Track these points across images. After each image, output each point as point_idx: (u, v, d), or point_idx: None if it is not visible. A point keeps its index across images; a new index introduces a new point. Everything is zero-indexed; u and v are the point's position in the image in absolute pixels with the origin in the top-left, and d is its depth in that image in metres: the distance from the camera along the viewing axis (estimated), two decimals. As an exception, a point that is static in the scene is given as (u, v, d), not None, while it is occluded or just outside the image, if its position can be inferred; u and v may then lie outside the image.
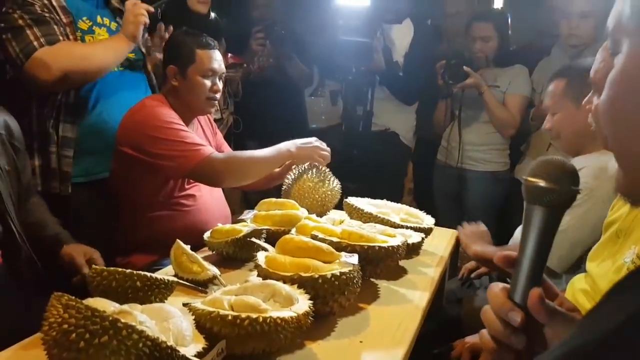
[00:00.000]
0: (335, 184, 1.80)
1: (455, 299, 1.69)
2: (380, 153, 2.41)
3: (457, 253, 1.84)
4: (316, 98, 3.08)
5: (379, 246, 1.17)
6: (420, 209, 2.93)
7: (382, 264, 1.21)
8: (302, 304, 0.95)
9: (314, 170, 1.80)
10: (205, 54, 1.70)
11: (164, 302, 1.08)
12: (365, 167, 2.33)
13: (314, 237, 1.19)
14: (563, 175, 0.57)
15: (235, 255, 1.35)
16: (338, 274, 1.03)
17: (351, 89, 2.27)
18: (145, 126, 1.62)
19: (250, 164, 1.67)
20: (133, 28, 1.73)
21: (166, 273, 1.30)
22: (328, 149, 1.72)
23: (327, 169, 1.83)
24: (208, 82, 1.71)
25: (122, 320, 0.75)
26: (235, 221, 1.51)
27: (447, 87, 2.35)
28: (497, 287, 0.62)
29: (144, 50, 1.96)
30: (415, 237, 1.36)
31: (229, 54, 2.53)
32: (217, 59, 1.73)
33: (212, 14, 2.32)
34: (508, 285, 0.62)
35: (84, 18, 1.81)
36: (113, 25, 1.90)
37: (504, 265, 0.62)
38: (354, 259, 1.10)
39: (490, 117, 2.42)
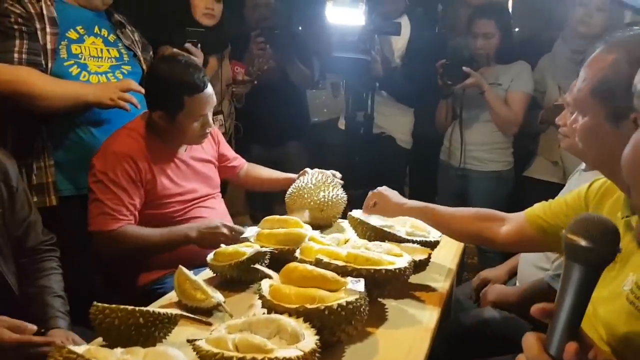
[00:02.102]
0: (338, 193, 1.78)
1: (464, 309, 1.67)
2: (378, 158, 2.37)
3: (463, 262, 1.81)
4: (317, 91, 3.05)
5: (385, 269, 1.14)
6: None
7: (389, 286, 1.19)
8: (309, 340, 0.92)
9: (321, 176, 1.79)
10: (195, 100, 1.59)
11: (167, 336, 1.06)
12: (367, 172, 2.30)
13: (319, 261, 1.16)
14: (605, 235, 0.56)
15: (239, 278, 1.33)
16: (344, 303, 1.00)
17: (350, 96, 2.23)
18: (95, 169, 1.58)
19: (141, 250, 1.58)
20: (107, 102, 1.64)
21: (170, 299, 1.28)
22: (240, 230, 1.53)
23: (337, 179, 1.81)
24: (198, 125, 1.64)
25: (124, 375, 0.73)
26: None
27: (447, 87, 2.30)
28: (533, 337, 0.62)
29: (144, 66, 1.92)
30: (421, 254, 1.33)
31: (236, 66, 2.48)
32: (208, 99, 1.62)
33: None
34: (543, 335, 0.62)
35: (79, 27, 1.78)
36: (111, 37, 1.86)
37: (540, 317, 0.62)
38: (361, 285, 1.07)
39: (493, 116, 2.37)
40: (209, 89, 1.64)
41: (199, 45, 2.08)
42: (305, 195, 1.72)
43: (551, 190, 2.22)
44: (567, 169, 2.19)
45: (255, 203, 3.08)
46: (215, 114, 2.30)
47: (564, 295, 0.59)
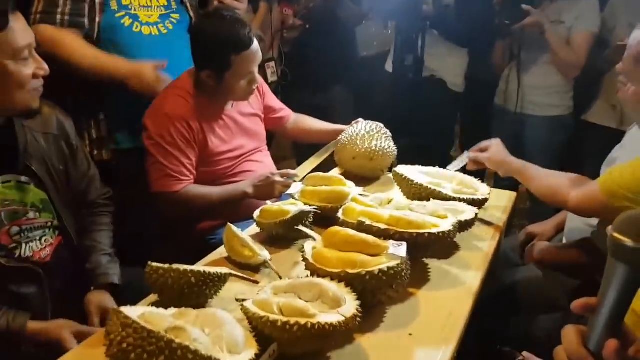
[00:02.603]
0: (390, 144, 1.76)
1: (510, 265, 1.65)
2: (427, 103, 2.27)
3: (513, 211, 1.75)
4: (366, 22, 2.91)
5: (428, 233, 1.13)
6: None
7: (432, 248, 1.19)
8: (350, 305, 0.95)
9: (375, 125, 1.77)
10: (242, 58, 1.57)
11: (218, 293, 1.12)
12: (416, 118, 2.22)
13: (361, 224, 1.17)
14: None
15: (285, 235, 1.37)
16: (385, 269, 1.02)
17: (400, 38, 2.11)
18: (150, 132, 1.61)
19: (202, 209, 1.64)
20: (145, 89, 1.66)
21: (220, 254, 1.35)
22: (293, 173, 1.59)
23: (389, 133, 1.78)
24: (245, 82, 1.63)
25: (177, 341, 0.79)
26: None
27: (504, 26, 2.12)
28: (573, 330, 0.62)
29: (192, 13, 1.89)
30: (468, 213, 1.30)
31: (285, 8, 2.40)
32: (255, 56, 1.60)
33: None
34: (584, 329, 0.61)
35: None
36: None
37: (582, 312, 0.61)
38: (402, 250, 1.07)
39: (553, 58, 2.20)
40: (255, 45, 1.61)
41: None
42: (358, 142, 1.71)
43: (609, 137, 2.09)
44: (625, 114, 2.03)
45: (301, 148, 3.10)
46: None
47: (606, 292, 0.57)
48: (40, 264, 1.29)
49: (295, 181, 1.59)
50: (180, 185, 1.62)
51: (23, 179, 1.26)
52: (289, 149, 3.29)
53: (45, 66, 1.22)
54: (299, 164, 2.84)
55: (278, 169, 1.88)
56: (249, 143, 1.80)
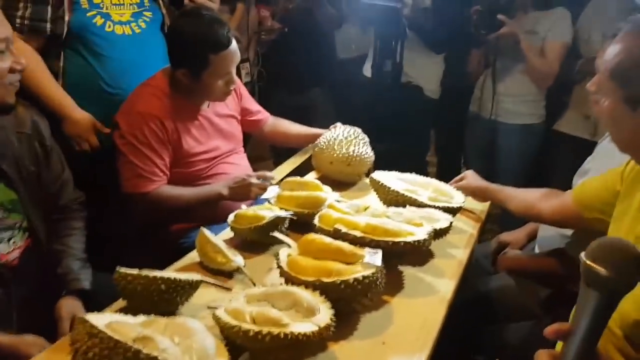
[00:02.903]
0: (367, 150, 1.76)
1: (483, 272, 1.67)
2: (404, 109, 2.29)
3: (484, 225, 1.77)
4: (345, 26, 2.91)
5: (404, 242, 1.13)
6: (443, 163, 2.89)
7: (407, 256, 1.19)
8: (324, 314, 0.94)
9: (352, 130, 1.78)
10: (221, 58, 1.54)
11: (188, 300, 1.10)
12: (393, 124, 2.23)
13: (337, 231, 1.16)
14: (627, 264, 0.53)
15: (259, 240, 1.35)
16: (360, 277, 1.01)
17: (379, 43, 2.11)
18: (122, 131, 1.57)
19: (175, 210, 1.61)
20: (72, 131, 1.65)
21: (192, 259, 1.32)
22: (269, 176, 1.58)
23: (366, 138, 1.79)
24: (223, 82, 1.59)
25: (144, 351, 0.77)
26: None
27: (480, 36, 2.15)
28: (545, 356, 0.62)
29: (164, 10, 1.85)
30: (443, 222, 1.31)
31: (262, 9, 2.38)
32: (233, 56, 1.57)
33: None
34: (556, 353, 0.61)
35: None
36: None
37: (555, 338, 0.61)
38: (378, 258, 1.07)
39: (527, 68, 2.24)
40: (234, 45, 1.58)
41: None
42: (335, 147, 1.71)
43: (581, 147, 2.14)
44: (599, 125, 2.08)
45: (278, 149, 3.08)
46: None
47: (579, 319, 0.57)
48: (7, 267, 1.24)
49: (271, 184, 1.57)
50: (152, 186, 1.57)
51: None
52: (266, 150, 3.26)
53: (23, 60, 1.17)
54: (277, 164, 2.85)
55: (254, 170, 1.87)
56: (225, 144, 1.77)
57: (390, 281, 1.14)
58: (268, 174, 1.60)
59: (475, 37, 2.23)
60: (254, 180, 1.56)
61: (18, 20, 1.58)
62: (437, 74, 2.51)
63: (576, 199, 1.24)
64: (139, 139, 1.56)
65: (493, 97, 2.31)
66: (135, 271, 1.05)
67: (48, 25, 1.61)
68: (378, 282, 1.04)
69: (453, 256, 1.35)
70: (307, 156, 1.87)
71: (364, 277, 1.01)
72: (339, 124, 1.84)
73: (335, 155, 1.70)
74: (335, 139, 1.74)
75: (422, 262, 1.30)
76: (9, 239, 1.26)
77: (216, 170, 1.73)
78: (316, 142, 1.79)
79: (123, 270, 1.05)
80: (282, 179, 1.63)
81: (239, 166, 1.80)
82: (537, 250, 1.62)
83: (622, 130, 0.95)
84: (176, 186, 1.63)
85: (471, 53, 2.35)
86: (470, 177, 1.60)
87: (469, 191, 1.56)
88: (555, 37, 2.20)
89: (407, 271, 1.26)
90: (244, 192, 1.56)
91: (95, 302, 1.25)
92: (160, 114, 1.58)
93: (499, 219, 2.68)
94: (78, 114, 1.66)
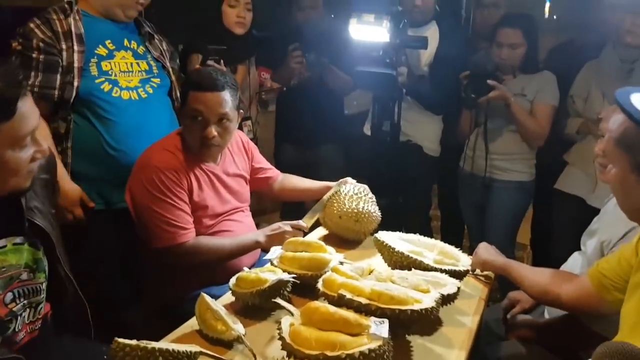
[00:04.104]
0: (375, 210, 1.75)
1: (493, 337, 1.60)
2: (405, 166, 2.30)
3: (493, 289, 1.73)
4: None
5: (411, 310, 1.09)
6: (447, 218, 2.88)
7: (414, 325, 1.14)
8: (329, 393, 0.89)
9: (362, 188, 1.79)
10: (195, 96, 1.57)
11: (187, 373, 1.05)
12: (395, 180, 2.23)
13: (341, 297, 1.12)
14: None
15: (261, 305, 1.31)
16: (367, 351, 0.97)
17: (377, 105, 2.15)
18: (141, 187, 1.57)
19: (214, 259, 1.61)
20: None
21: (191, 327, 1.27)
22: (303, 226, 1.65)
23: (374, 198, 1.80)
24: (196, 126, 1.59)
25: None
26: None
27: (470, 99, 2.21)
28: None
29: (173, 77, 1.91)
30: (450, 287, 1.27)
31: (262, 72, 2.45)
32: (207, 102, 1.56)
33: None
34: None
35: (108, 42, 1.77)
36: (141, 50, 1.86)
37: None
38: (385, 329, 1.02)
39: (518, 129, 2.29)
40: (217, 96, 1.57)
41: (222, 61, 2.05)
42: (345, 202, 1.70)
43: (584, 208, 2.14)
44: (599, 184, 2.08)
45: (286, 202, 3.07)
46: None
47: None
48: (25, 342, 1.17)
49: (304, 232, 1.64)
50: (187, 235, 1.57)
51: (18, 239, 1.15)
52: (269, 203, 3.25)
53: (45, 147, 1.12)
54: (282, 216, 2.84)
55: (257, 223, 1.88)
56: (232, 202, 1.76)
57: (397, 353, 1.09)
58: (302, 224, 1.65)
59: (465, 101, 2.28)
60: (288, 229, 1.61)
61: (29, 88, 1.61)
62: (436, 132, 2.55)
63: (594, 282, 1.19)
64: (162, 191, 1.55)
65: (486, 156, 2.34)
66: (133, 342, 1.01)
67: (56, 92, 1.66)
68: (385, 356, 0.99)
69: (462, 324, 1.30)
70: (325, 206, 1.82)
71: (370, 351, 0.97)
72: (349, 179, 1.84)
73: (344, 209, 1.69)
74: (346, 193, 1.74)
75: (430, 330, 1.25)
76: (37, 306, 1.19)
77: (220, 227, 1.71)
78: (326, 195, 1.79)
79: (121, 341, 1.01)
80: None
81: (243, 224, 1.79)
82: (546, 314, 1.57)
83: (631, 198, 0.94)
84: (212, 237, 1.65)
85: (462, 114, 2.40)
86: (480, 249, 1.55)
87: (477, 264, 1.51)
88: (543, 100, 2.27)
89: (415, 341, 1.21)
90: (279, 240, 1.58)
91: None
92: (175, 167, 1.59)
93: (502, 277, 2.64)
94: (67, 186, 1.67)
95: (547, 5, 3.21)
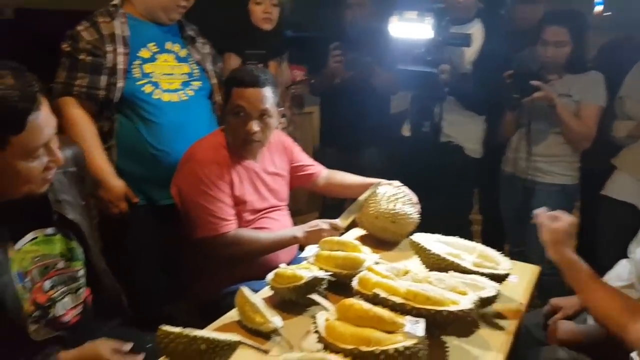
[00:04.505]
0: (413, 212, 1.74)
1: (534, 342, 1.56)
2: (445, 168, 2.27)
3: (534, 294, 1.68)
4: None
5: (447, 311, 1.09)
6: (487, 222, 2.81)
7: (451, 326, 1.14)
8: (363, 387, 0.90)
9: (404, 190, 1.79)
10: (238, 92, 1.62)
11: (226, 362, 1.09)
12: (434, 182, 2.20)
13: (376, 296, 1.13)
14: None
15: (297, 300, 1.34)
16: (402, 348, 0.97)
17: (417, 105, 2.13)
18: (186, 181, 1.64)
19: (254, 250, 1.65)
20: (108, 197, 1.74)
21: (231, 318, 1.32)
22: (340, 226, 1.65)
23: (414, 199, 1.79)
24: (239, 122, 1.63)
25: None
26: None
27: (514, 100, 2.16)
28: None
29: (214, 80, 1.97)
30: (489, 290, 1.26)
31: (295, 69, 2.48)
32: (250, 97, 1.61)
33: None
34: None
35: (151, 44, 1.84)
36: (182, 53, 1.91)
37: None
38: (420, 328, 1.03)
39: (563, 130, 2.21)
40: (258, 92, 1.62)
41: (260, 65, 2.09)
42: (382, 202, 1.71)
43: (633, 214, 2.04)
44: None
45: (316, 201, 3.08)
46: None
47: None
48: (69, 326, 1.24)
49: (341, 233, 1.65)
50: (228, 226, 1.62)
51: (49, 230, 1.21)
52: (304, 203, 3.29)
53: (59, 157, 1.12)
54: (321, 216, 2.84)
55: (293, 223, 1.90)
56: (270, 200, 1.80)
57: (433, 352, 1.08)
58: (339, 223, 1.66)
59: (508, 102, 2.22)
60: (325, 227, 1.62)
61: (76, 88, 1.73)
62: (479, 133, 2.49)
63: None
64: (205, 183, 1.61)
65: (528, 158, 2.28)
66: (177, 329, 1.05)
67: (101, 93, 1.74)
68: (420, 354, 1.00)
69: (501, 327, 1.28)
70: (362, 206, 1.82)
71: (405, 348, 0.97)
72: (396, 182, 1.83)
73: (381, 210, 1.69)
74: (383, 194, 1.74)
75: (467, 332, 1.23)
76: (76, 290, 1.26)
77: (259, 224, 1.75)
78: (363, 195, 1.79)
79: (166, 328, 1.06)
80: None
81: (280, 222, 1.82)
82: (589, 320, 1.51)
83: None
84: (251, 229, 1.69)
85: (505, 115, 2.34)
86: (564, 223, 1.33)
87: (550, 235, 1.31)
88: (590, 101, 2.18)
89: (451, 342, 1.20)
90: (316, 237, 1.60)
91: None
92: (217, 161, 1.65)
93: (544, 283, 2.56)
94: (114, 182, 1.75)
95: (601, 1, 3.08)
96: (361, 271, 1.32)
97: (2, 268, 1.08)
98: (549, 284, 2.19)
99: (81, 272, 1.28)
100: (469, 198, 2.72)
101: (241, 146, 1.69)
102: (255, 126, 1.63)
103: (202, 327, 1.26)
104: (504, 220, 2.56)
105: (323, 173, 2.01)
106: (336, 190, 2.02)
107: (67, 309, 1.24)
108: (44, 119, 1.05)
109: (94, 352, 1.14)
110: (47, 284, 1.19)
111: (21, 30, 2.84)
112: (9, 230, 1.11)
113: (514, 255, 2.25)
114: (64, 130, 1.72)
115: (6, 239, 1.10)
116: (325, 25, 2.70)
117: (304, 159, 1.99)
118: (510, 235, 2.59)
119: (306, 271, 1.35)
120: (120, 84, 1.74)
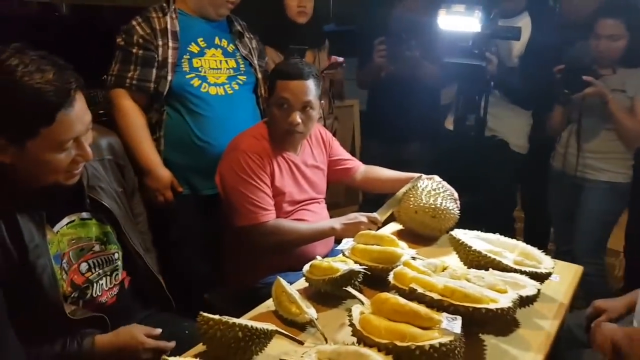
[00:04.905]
0: (454, 207, 1.72)
1: (576, 344, 1.51)
2: (489, 163, 2.21)
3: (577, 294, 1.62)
4: None
5: (486, 309, 1.07)
6: (531, 220, 2.72)
7: (489, 325, 1.11)
8: (396, 381, 0.90)
9: (441, 184, 1.77)
10: (282, 85, 1.65)
11: (262, 350, 1.11)
12: (477, 177, 2.16)
13: (412, 291, 1.12)
14: None
15: (332, 292, 1.34)
16: (437, 344, 0.96)
17: (461, 98, 2.09)
18: (229, 169, 1.68)
19: (292, 240, 1.68)
20: (155, 186, 1.81)
21: (267, 307, 1.34)
22: (378, 220, 1.67)
23: (455, 195, 1.77)
24: (282, 114, 1.66)
25: None
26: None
27: (564, 95, 2.08)
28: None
29: (259, 75, 2.00)
30: (529, 289, 1.22)
31: (332, 57, 2.48)
32: (294, 89, 1.64)
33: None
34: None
35: (200, 39, 1.89)
36: (230, 48, 1.96)
37: None
38: (457, 325, 1.01)
39: (616, 127, 2.12)
40: (303, 84, 1.64)
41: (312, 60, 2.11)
42: (423, 197, 1.69)
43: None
44: None
45: (353, 195, 3.08)
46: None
47: None
48: (107, 307, 1.31)
49: (378, 227, 1.67)
50: (268, 215, 1.66)
51: (85, 215, 1.28)
52: (342, 196, 3.29)
53: (88, 152, 1.15)
54: (361, 209, 2.84)
55: (330, 217, 1.91)
56: (309, 192, 1.82)
57: (470, 350, 1.07)
58: (377, 216, 1.67)
59: (559, 97, 2.14)
60: (363, 219, 1.64)
61: (128, 80, 1.80)
62: (524, 128, 2.42)
63: None
64: (247, 172, 1.65)
65: (578, 154, 2.18)
66: (216, 317, 1.09)
67: (152, 85, 1.81)
68: (456, 351, 0.98)
69: (541, 327, 1.25)
70: (401, 200, 1.79)
71: (441, 345, 0.96)
72: (435, 177, 1.80)
73: (421, 204, 1.68)
74: (423, 188, 1.72)
75: (505, 332, 1.21)
76: (112, 273, 1.32)
77: (298, 216, 1.78)
78: (402, 189, 1.78)
79: (205, 315, 1.09)
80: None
81: (319, 215, 1.84)
82: (635, 323, 1.45)
83: None
84: (291, 220, 1.73)
85: (554, 110, 2.25)
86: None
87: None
88: None
89: (489, 341, 1.18)
90: (354, 230, 1.62)
91: (179, 347, 1.27)
92: (259, 151, 1.69)
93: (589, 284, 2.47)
94: (161, 171, 1.81)
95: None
96: (397, 266, 1.32)
97: (40, 250, 1.14)
98: (595, 286, 2.10)
99: (116, 255, 1.34)
100: (512, 194, 2.65)
101: (283, 137, 1.71)
102: (297, 118, 1.65)
103: (238, 315, 1.29)
104: (551, 218, 2.48)
105: (361, 168, 2.00)
106: (373, 185, 2.01)
107: (104, 290, 1.30)
108: (75, 115, 1.09)
109: (129, 335, 1.21)
110: (84, 266, 1.26)
111: (75, 25, 2.99)
112: (47, 213, 1.18)
113: (560, 254, 2.18)
114: (115, 121, 1.80)
115: (44, 222, 1.17)
116: (372, 18, 2.67)
117: (342, 153, 1.99)
118: (557, 233, 2.50)
119: (342, 264, 1.35)
120: (169, 77, 1.80)
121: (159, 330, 1.25)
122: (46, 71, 1.05)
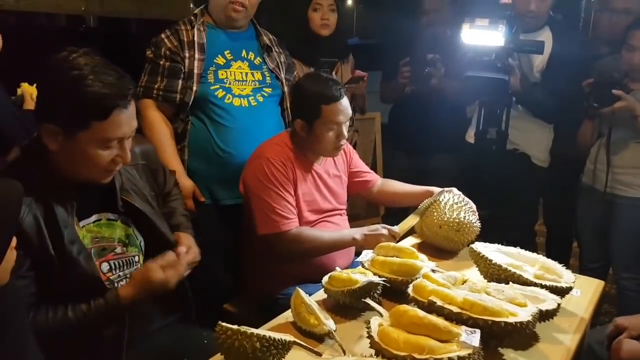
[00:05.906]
0: (475, 220, 1.72)
1: (595, 358, 1.48)
2: (510, 176, 2.19)
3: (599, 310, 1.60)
4: None
5: (505, 322, 1.06)
6: (552, 234, 2.67)
7: (508, 338, 1.11)
8: (414, 394, 0.90)
9: (462, 198, 1.77)
10: (330, 109, 1.67)
11: (281, 360, 1.12)
12: (498, 190, 2.14)
13: (432, 304, 1.13)
14: None
15: (351, 304, 1.35)
16: (455, 358, 0.96)
17: (483, 112, 2.09)
18: (253, 176, 1.70)
19: (313, 248, 1.70)
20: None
21: (286, 318, 1.35)
22: (397, 233, 1.67)
23: (474, 207, 1.77)
24: (333, 134, 1.71)
25: None
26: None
27: (593, 109, 2.04)
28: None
29: (286, 88, 2.04)
30: (549, 303, 1.21)
31: (356, 71, 2.51)
32: (343, 110, 1.69)
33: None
34: None
35: (227, 52, 1.94)
36: (257, 61, 2.00)
37: None
38: (476, 338, 1.01)
39: None
40: (345, 101, 1.71)
41: (333, 73, 2.14)
42: (446, 211, 1.69)
43: None
44: None
45: (373, 207, 3.07)
46: None
47: None
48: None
49: (397, 240, 1.67)
50: (290, 224, 1.68)
51: (111, 216, 1.32)
52: (363, 209, 3.29)
53: (128, 157, 1.22)
54: (383, 221, 2.83)
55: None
56: (331, 202, 1.84)
57: (488, 364, 1.06)
58: (396, 230, 1.68)
59: (587, 110, 2.11)
60: (385, 232, 1.65)
61: (155, 91, 1.87)
62: (546, 142, 2.39)
63: None
64: (271, 180, 1.68)
65: (608, 169, 2.14)
66: (234, 327, 1.10)
67: (177, 96, 1.86)
68: (475, 365, 0.98)
69: (561, 342, 1.23)
70: (423, 213, 1.80)
71: (460, 358, 0.96)
72: (454, 189, 1.80)
73: (445, 219, 1.67)
74: (446, 202, 1.72)
75: (525, 346, 1.19)
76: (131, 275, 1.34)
77: (320, 227, 1.79)
78: (423, 203, 1.78)
79: (224, 324, 1.11)
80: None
81: (341, 227, 1.85)
82: None
83: None
84: (313, 229, 1.74)
85: (583, 124, 2.22)
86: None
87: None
88: None
89: (508, 355, 1.17)
90: (375, 241, 1.63)
91: (198, 356, 1.27)
92: (283, 159, 1.71)
93: (616, 300, 2.40)
94: (183, 181, 1.84)
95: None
96: (417, 278, 1.32)
97: (73, 235, 1.19)
98: (635, 302, 2.03)
99: (137, 258, 1.37)
100: (534, 208, 2.62)
101: (332, 153, 1.77)
102: (346, 131, 1.72)
103: (257, 325, 1.31)
104: (579, 235, 2.43)
105: (378, 182, 2.02)
106: (389, 198, 2.02)
107: None
108: (126, 117, 1.18)
109: (145, 275, 1.25)
110: (105, 266, 1.30)
111: (102, 36, 3.08)
112: (77, 206, 1.22)
113: (587, 272, 2.13)
114: (142, 130, 1.85)
115: (74, 213, 1.22)
116: (396, 33, 2.70)
117: (361, 165, 2.01)
118: (586, 250, 2.43)
119: (361, 275, 1.36)
120: (195, 87, 1.86)
121: (172, 255, 1.30)
122: (110, 74, 1.16)
